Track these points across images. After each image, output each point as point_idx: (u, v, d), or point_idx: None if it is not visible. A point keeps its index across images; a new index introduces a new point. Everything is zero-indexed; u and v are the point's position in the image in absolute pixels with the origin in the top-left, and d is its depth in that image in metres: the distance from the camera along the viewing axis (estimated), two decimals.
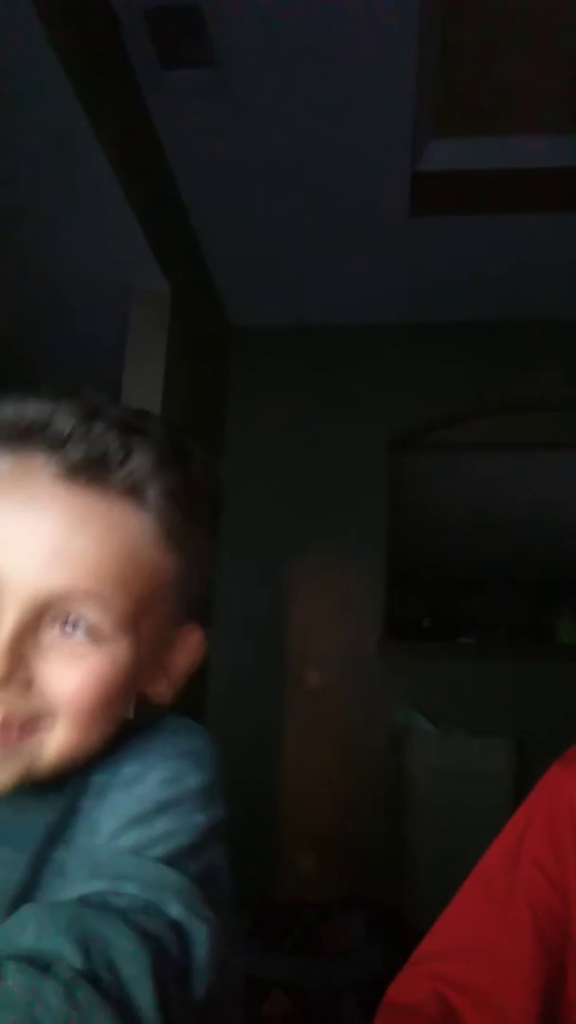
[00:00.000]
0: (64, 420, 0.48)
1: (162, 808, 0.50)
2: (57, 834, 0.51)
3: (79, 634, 0.48)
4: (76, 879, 0.47)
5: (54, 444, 0.48)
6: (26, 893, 0.49)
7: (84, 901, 0.43)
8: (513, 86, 2.17)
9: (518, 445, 3.43)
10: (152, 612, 0.51)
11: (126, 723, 0.55)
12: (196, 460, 0.56)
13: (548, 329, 3.05)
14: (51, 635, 0.48)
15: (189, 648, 0.57)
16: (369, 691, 2.90)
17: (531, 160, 2.38)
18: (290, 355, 3.21)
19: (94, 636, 0.48)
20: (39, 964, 0.38)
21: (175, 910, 0.44)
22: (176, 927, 0.43)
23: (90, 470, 0.48)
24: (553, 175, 2.41)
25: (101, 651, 0.49)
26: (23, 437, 0.49)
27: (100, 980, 0.38)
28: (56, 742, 0.49)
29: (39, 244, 2.25)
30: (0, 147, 1.85)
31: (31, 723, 0.48)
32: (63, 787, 0.52)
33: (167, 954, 0.42)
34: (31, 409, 0.50)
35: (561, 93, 2.19)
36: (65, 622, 0.48)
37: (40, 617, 0.47)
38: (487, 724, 2.77)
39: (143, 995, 0.39)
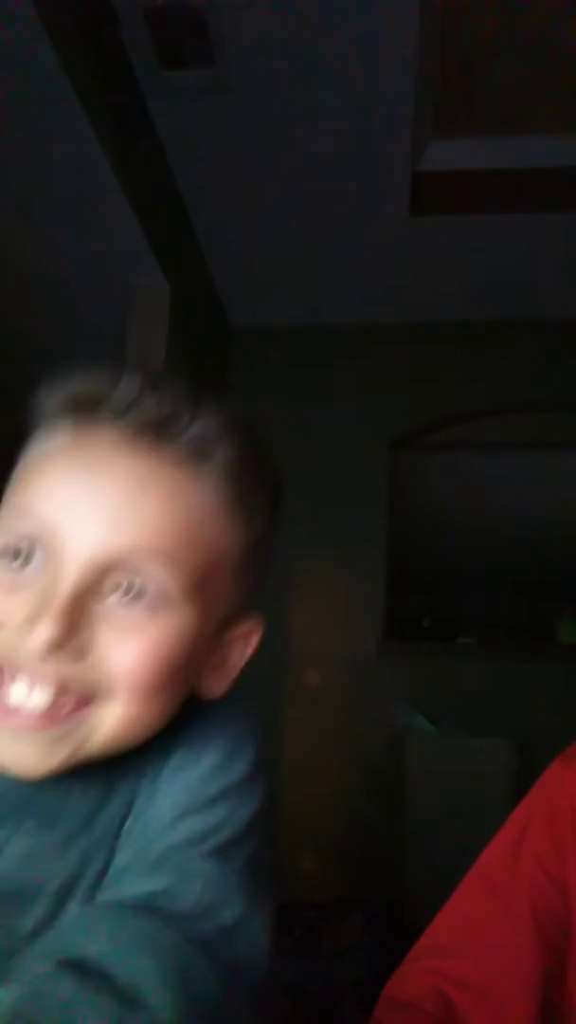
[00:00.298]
0: (128, 388, 0.48)
1: (213, 799, 0.49)
2: (106, 818, 0.50)
3: (142, 602, 0.46)
4: (134, 870, 0.46)
5: (118, 410, 0.48)
6: (74, 881, 0.48)
7: (151, 902, 0.42)
8: (513, 86, 2.17)
9: (518, 445, 3.43)
10: (215, 586, 0.49)
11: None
12: (259, 435, 0.54)
13: (548, 329, 3.05)
14: (113, 602, 0.45)
15: (248, 643, 0.56)
16: (369, 691, 2.90)
17: (531, 160, 2.39)
18: (290, 355, 3.20)
19: (158, 602, 0.46)
20: (96, 977, 0.37)
21: (235, 909, 0.43)
22: (236, 927, 0.43)
23: (155, 432, 0.47)
24: (553, 175, 2.41)
25: (165, 620, 0.46)
26: (87, 408, 0.49)
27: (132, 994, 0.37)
28: (112, 719, 0.46)
29: (39, 244, 2.25)
30: (0, 147, 1.85)
31: (86, 696, 0.45)
32: (109, 770, 0.50)
33: (224, 960, 0.41)
34: (95, 381, 0.50)
35: (561, 93, 2.19)
36: (128, 589, 0.45)
37: (101, 580, 0.45)
38: (487, 724, 2.77)
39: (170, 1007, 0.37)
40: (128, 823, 0.50)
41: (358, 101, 2.05)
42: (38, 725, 0.44)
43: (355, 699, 2.91)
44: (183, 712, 0.51)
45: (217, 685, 0.54)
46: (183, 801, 0.48)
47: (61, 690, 0.44)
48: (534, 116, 2.27)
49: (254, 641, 0.56)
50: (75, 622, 0.43)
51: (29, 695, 0.44)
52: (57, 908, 0.47)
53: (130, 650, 0.45)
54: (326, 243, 2.66)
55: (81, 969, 0.37)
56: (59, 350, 2.94)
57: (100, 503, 0.45)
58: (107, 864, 0.48)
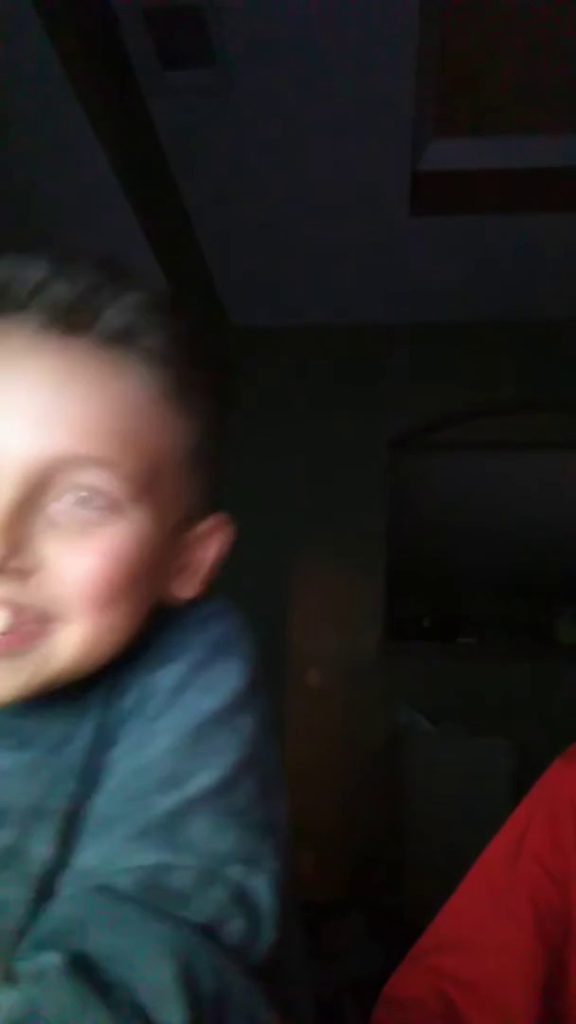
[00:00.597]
0: (32, 272, 0.42)
1: (209, 720, 0.45)
2: (95, 739, 0.47)
3: (89, 508, 0.42)
4: (120, 825, 0.42)
5: (25, 298, 0.42)
6: (39, 808, 0.45)
7: (145, 886, 0.39)
8: (513, 86, 2.17)
9: (518, 445, 3.44)
10: (164, 484, 0.45)
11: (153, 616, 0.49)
12: (194, 315, 0.48)
13: (548, 329, 3.05)
14: (55, 513, 0.42)
15: (216, 538, 0.52)
16: (369, 691, 2.90)
17: (531, 160, 2.38)
18: (290, 355, 3.21)
19: (106, 507, 0.42)
20: (97, 982, 0.35)
21: (235, 872, 0.41)
22: (239, 894, 0.40)
23: (69, 318, 0.42)
24: (553, 175, 2.41)
25: (116, 525, 0.43)
26: (3, 299, 0.43)
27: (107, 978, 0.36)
28: (72, 638, 0.43)
29: (39, 244, 2.25)
30: (0, 147, 1.85)
31: (44, 615, 0.42)
32: (96, 687, 0.47)
33: (229, 939, 0.39)
34: (2, 270, 0.43)
35: (561, 93, 2.19)
36: (70, 499, 0.42)
37: (40, 491, 0.41)
38: (487, 724, 2.77)
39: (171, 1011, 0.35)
40: (106, 758, 0.46)
41: (358, 101, 2.05)
42: (2, 648, 0.41)
43: (355, 699, 2.91)
44: (155, 624, 0.48)
45: (184, 589, 0.50)
46: (171, 735, 0.44)
47: (16, 612, 0.41)
48: (534, 116, 2.27)
49: (223, 539, 0.52)
50: (16, 541, 0.40)
51: None
52: (24, 834, 0.44)
53: (81, 562, 0.42)
54: (326, 243, 2.66)
55: (85, 970, 0.35)
56: None
57: (18, 410, 0.41)
58: (73, 797, 0.45)
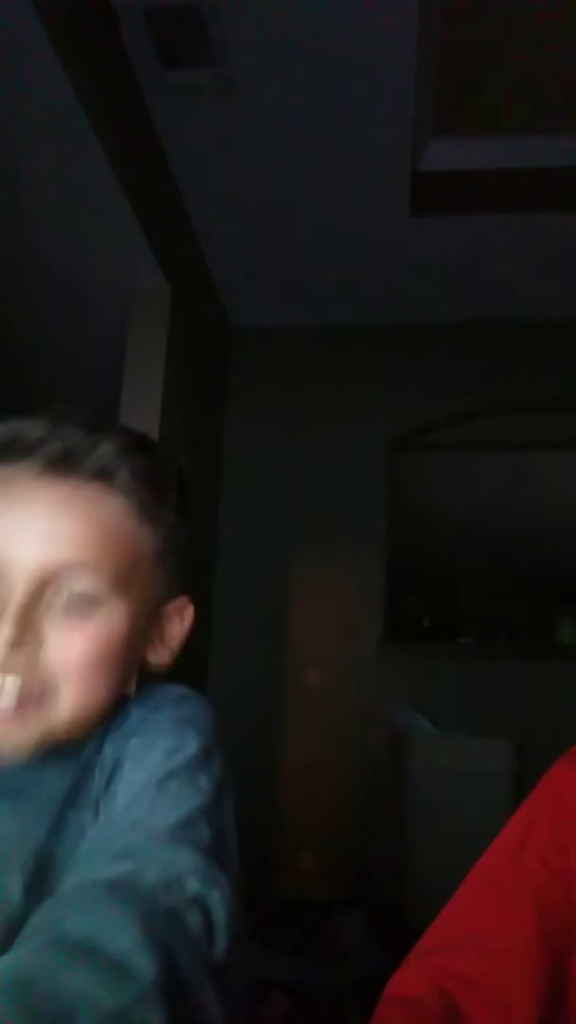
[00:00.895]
0: (33, 430, 0.57)
1: (170, 775, 0.54)
2: (75, 795, 0.57)
3: (79, 603, 0.56)
4: (99, 855, 0.50)
5: (29, 451, 0.57)
6: (50, 848, 0.55)
7: (112, 884, 0.46)
8: (513, 86, 2.17)
9: (518, 445, 3.44)
10: (139, 580, 0.59)
11: (134, 690, 0.64)
12: (157, 449, 0.63)
13: (548, 329, 3.05)
14: (55, 607, 0.55)
15: (182, 618, 0.66)
16: (369, 691, 2.90)
17: (531, 160, 2.39)
18: (290, 355, 3.21)
19: (89, 602, 0.56)
20: (71, 951, 0.41)
21: (193, 884, 0.47)
22: (196, 899, 0.47)
23: (63, 464, 0.57)
24: (553, 175, 2.41)
25: (98, 615, 0.56)
26: (5, 452, 0.57)
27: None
28: (67, 701, 0.55)
29: (39, 244, 2.25)
30: (0, 147, 1.85)
31: (44, 686, 0.54)
32: (81, 751, 0.59)
33: (188, 927, 0.45)
34: (3, 431, 0.58)
35: (561, 93, 2.19)
36: (65, 596, 0.55)
37: (43, 590, 0.54)
38: (487, 724, 2.77)
39: (142, 965, 0.41)
40: (97, 802, 0.57)
41: (358, 101, 2.05)
42: (14, 709, 0.53)
43: (355, 699, 2.91)
44: (143, 696, 0.61)
45: (158, 657, 0.64)
46: (141, 781, 0.55)
47: (25, 680, 0.53)
48: (534, 116, 2.27)
49: (189, 616, 0.66)
50: (27, 625, 0.53)
51: (3, 685, 0.53)
52: (34, 880, 0.54)
53: (73, 644, 0.55)
54: (326, 243, 2.66)
55: (69, 944, 0.41)
56: (60, 350, 2.95)
57: (31, 527, 0.55)
58: (43, 845, 0.55)
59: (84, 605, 0.56)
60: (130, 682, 0.64)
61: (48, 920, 0.44)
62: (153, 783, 0.54)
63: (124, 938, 0.41)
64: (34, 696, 0.54)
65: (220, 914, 0.47)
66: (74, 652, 0.55)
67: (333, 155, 2.25)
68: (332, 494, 3.06)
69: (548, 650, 3.59)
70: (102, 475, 0.58)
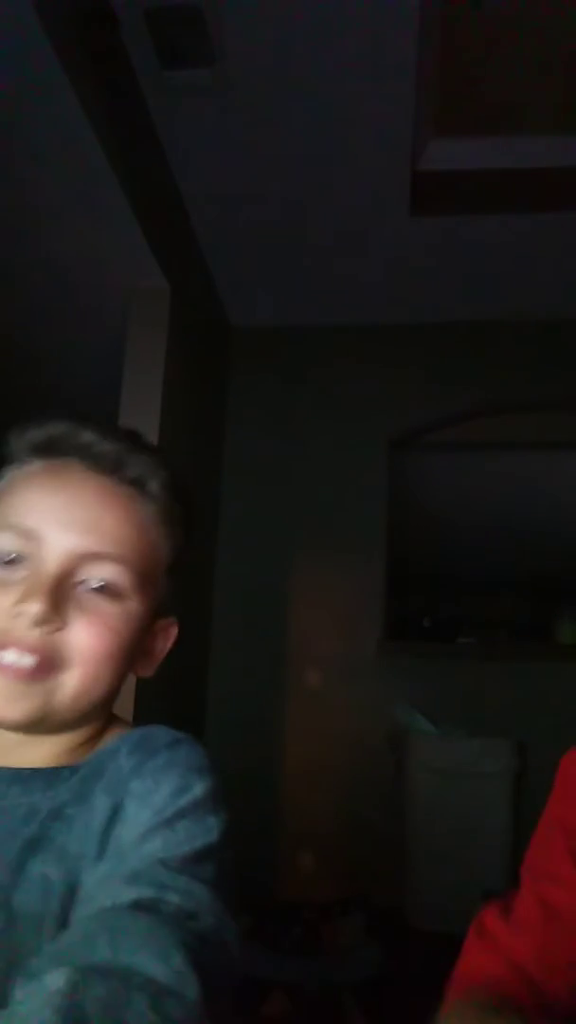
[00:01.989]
0: (88, 433, 0.63)
1: (179, 814, 0.55)
2: (38, 843, 0.57)
3: (103, 593, 0.59)
4: (113, 880, 0.50)
5: (81, 448, 0.63)
6: (7, 897, 0.54)
7: (138, 906, 0.46)
8: (513, 86, 2.17)
9: (518, 445, 3.44)
10: (154, 585, 0.64)
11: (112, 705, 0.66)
12: (179, 474, 0.68)
13: (548, 329, 3.05)
14: (82, 592, 0.59)
15: (168, 636, 0.69)
16: (369, 691, 2.90)
17: (531, 160, 2.39)
18: (290, 355, 3.21)
19: (113, 594, 0.60)
20: (120, 977, 0.41)
21: (209, 918, 0.48)
22: (215, 931, 0.48)
23: (110, 467, 0.63)
24: (553, 175, 2.41)
25: (120, 607, 0.60)
26: (52, 446, 0.63)
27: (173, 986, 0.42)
28: (72, 680, 0.58)
29: (39, 244, 2.25)
30: (0, 147, 1.85)
31: (57, 662, 0.57)
32: (51, 784, 0.60)
33: (213, 953, 0.46)
34: (56, 426, 0.63)
35: (561, 93, 2.19)
36: (94, 582, 0.59)
37: (74, 571, 0.59)
38: (487, 724, 2.77)
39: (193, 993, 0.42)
40: (53, 828, 0.57)
41: (358, 101, 2.05)
42: (26, 676, 0.56)
43: (355, 699, 2.91)
44: (132, 735, 0.62)
45: (146, 668, 0.67)
46: (150, 820, 0.55)
47: (44, 652, 0.57)
48: (534, 116, 2.27)
49: (173, 634, 0.69)
50: (57, 602, 0.57)
51: (20, 658, 0.56)
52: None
53: (93, 629, 0.58)
54: (326, 243, 2.66)
55: (120, 972, 0.41)
56: (60, 350, 2.95)
57: (74, 514, 0.60)
58: (18, 857, 0.56)
59: (108, 596, 0.60)
60: (117, 693, 0.65)
61: (85, 947, 0.43)
62: (162, 821, 0.54)
63: (171, 963, 0.43)
64: (46, 669, 0.57)
65: (235, 948, 0.49)
66: (92, 639, 0.58)
67: (333, 155, 2.25)
68: (332, 494, 3.06)
69: (548, 650, 3.58)
70: (138, 481, 0.64)
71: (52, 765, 0.62)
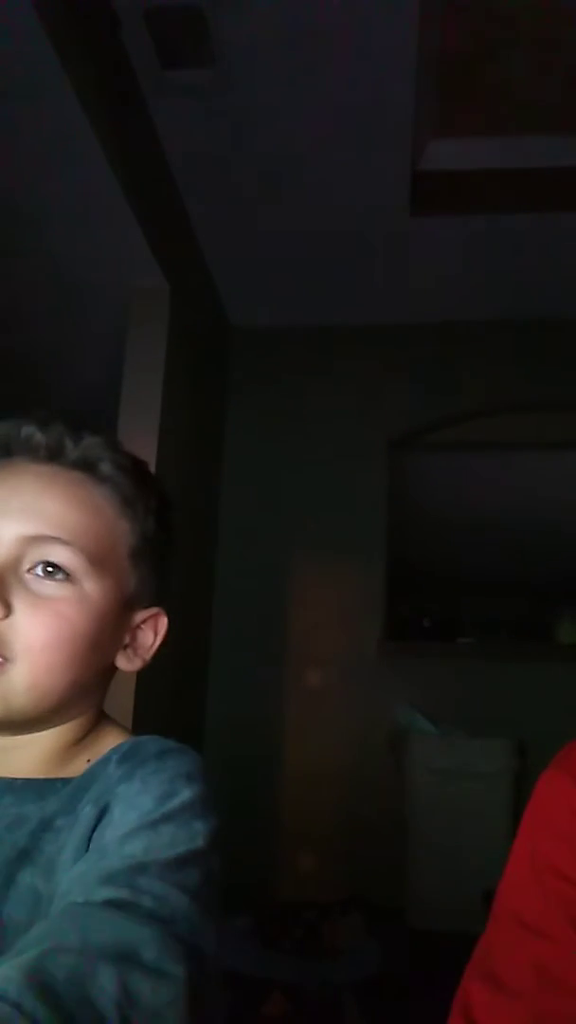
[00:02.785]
0: (27, 427, 0.63)
1: (165, 818, 0.53)
2: (28, 855, 0.56)
3: (52, 579, 0.58)
4: (90, 879, 0.49)
5: (22, 442, 0.63)
6: (12, 878, 0.55)
7: (110, 904, 0.46)
8: (513, 86, 2.17)
9: (518, 445, 3.43)
10: (112, 569, 0.62)
11: (103, 701, 0.66)
12: (136, 457, 0.67)
13: (548, 329, 3.05)
14: (30, 579, 0.58)
15: (155, 629, 0.67)
16: (369, 691, 2.90)
17: (531, 160, 2.39)
18: (290, 355, 3.21)
19: (64, 579, 0.58)
20: (89, 953, 0.41)
21: (184, 926, 0.47)
22: (187, 940, 0.46)
23: (50, 452, 0.62)
24: (553, 175, 2.41)
25: (70, 592, 0.58)
26: (3, 448, 0.63)
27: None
28: (23, 674, 0.56)
29: (39, 244, 2.25)
30: (0, 147, 1.85)
31: (5, 648, 0.56)
32: (42, 795, 0.59)
33: (190, 955, 0.46)
34: (2, 429, 0.63)
35: (561, 93, 2.19)
36: (41, 567, 0.58)
37: (18, 562, 0.58)
38: (487, 724, 2.77)
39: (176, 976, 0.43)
40: (43, 838, 0.57)
41: (358, 101, 2.05)
42: None
43: (355, 699, 2.91)
44: (124, 744, 0.61)
45: (133, 664, 0.66)
46: (135, 821, 0.53)
47: None
48: (534, 116, 2.27)
49: (162, 627, 0.67)
50: (1, 589, 0.56)
51: None
52: None
53: (39, 615, 0.57)
54: (326, 243, 2.66)
55: (97, 951, 0.41)
56: (60, 350, 2.94)
57: (13, 504, 0.59)
58: (8, 866, 0.55)
59: (56, 581, 0.58)
60: (101, 689, 0.65)
61: (54, 934, 0.43)
62: (147, 824, 0.53)
63: (153, 948, 0.43)
64: None
65: (210, 961, 0.47)
66: (37, 625, 0.57)
67: (333, 155, 2.25)
68: (332, 494, 3.06)
69: (548, 650, 3.58)
70: (85, 464, 0.63)
71: (44, 773, 0.61)
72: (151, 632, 0.67)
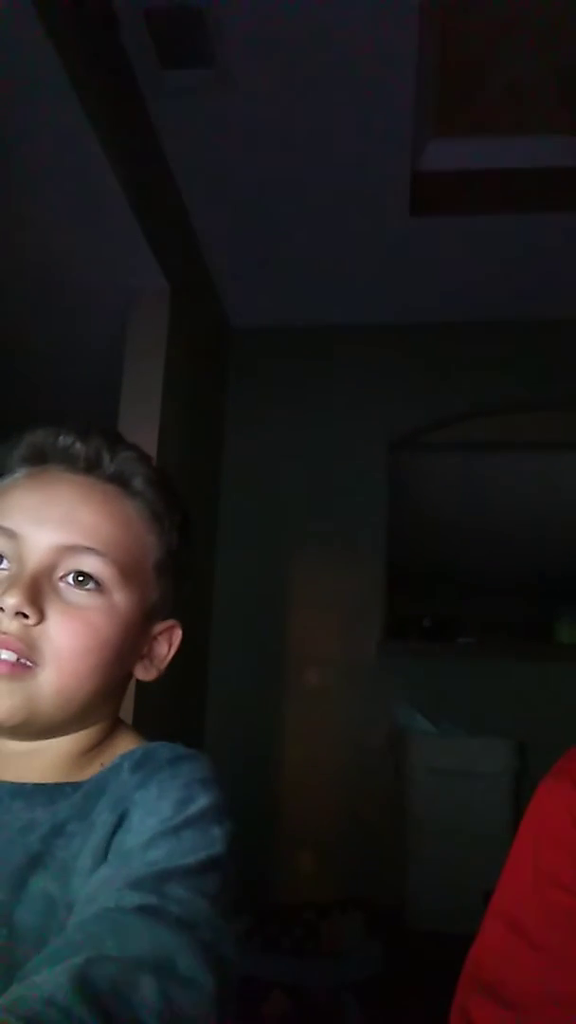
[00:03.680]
0: (65, 436, 0.64)
1: (185, 823, 0.55)
2: (40, 860, 0.56)
3: (83, 588, 0.60)
4: (115, 884, 0.50)
5: (60, 452, 0.64)
6: (8, 912, 0.54)
7: (142, 910, 0.47)
8: (513, 86, 2.17)
9: (518, 445, 3.44)
10: (139, 581, 0.63)
11: (118, 708, 0.67)
12: (166, 473, 0.69)
13: (548, 329, 3.05)
14: (63, 586, 0.60)
15: (170, 640, 0.69)
16: (369, 691, 2.90)
17: (531, 160, 2.39)
18: (290, 355, 3.21)
19: (93, 587, 0.60)
20: (130, 963, 0.43)
21: (206, 932, 0.48)
22: (211, 946, 0.48)
23: (88, 464, 0.64)
24: (553, 175, 2.41)
25: (101, 601, 0.60)
26: (36, 455, 0.65)
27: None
28: (51, 678, 0.57)
29: (39, 244, 2.25)
30: (0, 147, 1.85)
31: (35, 658, 0.57)
32: (53, 800, 0.60)
33: (215, 961, 0.47)
34: (37, 435, 0.65)
35: (561, 93, 2.19)
36: (73, 576, 0.60)
37: (53, 566, 0.59)
38: (487, 724, 2.77)
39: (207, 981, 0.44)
40: (55, 844, 0.57)
41: (358, 101, 2.05)
42: (4, 672, 0.56)
43: (355, 699, 2.91)
44: (137, 751, 0.61)
45: (146, 673, 0.67)
46: (155, 828, 0.54)
47: (20, 649, 0.56)
48: (534, 116, 2.27)
49: (176, 639, 0.69)
50: (35, 595, 0.57)
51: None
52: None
53: (70, 622, 0.58)
54: (326, 243, 2.66)
55: (134, 960, 0.42)
56: (60, 350, 2.94)
57: (50, 511, 0.61)
58: (20, 872, 0.55)
59: (89, 590, 0.60)
60: (119, 697, 0.66)
61: (93, 941, 0.44)
62: (168, 829, 0.54)
63: (187, 958, 0.44)
64: (25, 665, 0.56)
65: (231, 967, 0.49)
66: (69, 633, 0.58)
67: (333, 155, 2.25)
68: (332, 494, 3.06)
69: (548, 650, 3.58)
70: (119, 478, 0.65)
71: (58, 778, 0.61)
72: (166, 643, 0.68)
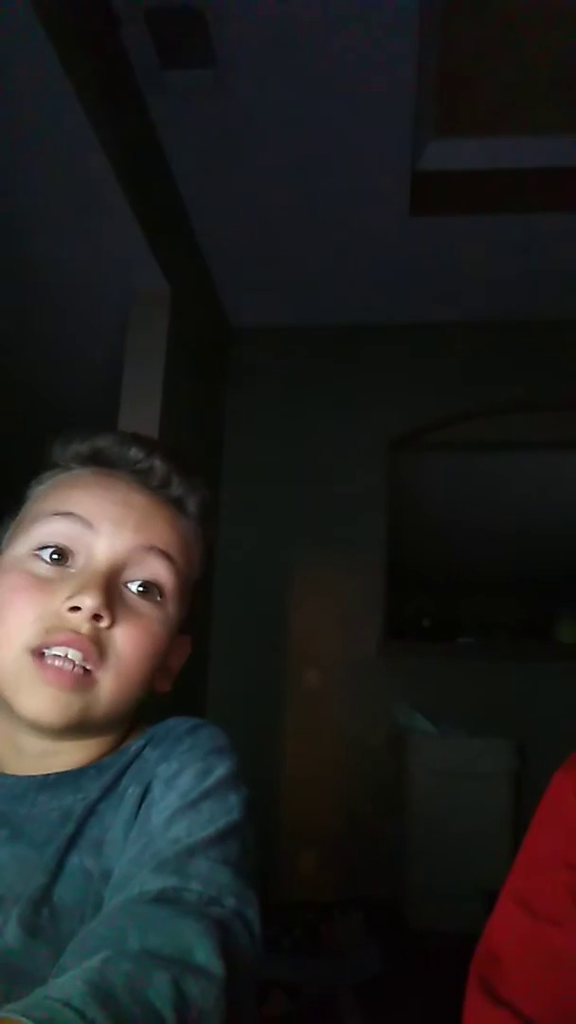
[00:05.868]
0: (135, 449, 0.67)
1: (204, 795, 0.57)
2: (76, 840, 0.58)
3: (147, 596, 0.62)
4: (141, 869, 0.53)
5: (129, 462, 0.67)
6: (48, 891, 0.55)
7: (163, 896, 0.49)
8: (513, 86, 2.17)
9: (518, 445, 3.44)
10: (185, 597, 0.66)
11: (143, 720, 0.69)
12: (212, 501, 0.72)
13: (548, 329, 3.06)
14: (128, 593, 0.62)
15: (182, 652, 0.71)
16: (369, 691, 2.90)
17: (531, 160, 2.39)
18: (290, 355, 3.21)
19: (158, 596, 0.63)
20: (147, 958, 0.44)
21: (230, 901, 0.51)
22: (237, 914, 0.51)
23: (158, 481, 0.67)
24: (553, 175, 2.41)
25: (160, 612, 0.63)
26: (98, 458, 0.67)
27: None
28: (109, 686, 0.59)
29: (39, 245, 2.25)
30: (0, 147, 1.85)
31: (98, 663, 0.58)
32: (79, 786, 0.61)
33: (235, 936, 0.50)
34: (103, 440, 0.67)
35: (561, 93, 2.19)
36: (141, 582, 0.62)
37: (124, 568, 0.61)
38: (487, 724, 2.77)
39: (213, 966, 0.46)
40: (75, 854, 0.58)
41: (358, 101, 2.05)
42: (69, 684, 0.57)
43: (355, 699, 2.91)
44: (152, 729, 0.66)
45: (162, 684, 0.69)
46: (176, 803, 0.57)
47: (91, 651, 0.58)
48: (534, 116, 2.27)
49: (187, 651, 0.72)
50: (111, 598, 0.59)
51: (67, 652, 0.57)
52: (5, 919, 0.54)
53: (136, 629, 0.60)
54: (326, 243, 2.66)
55: (152, 955, 0.44)
56: (60, 351, 2.95)
57: (127, 513, 0.63)
58: (42, 888, 0.55)
59: (152, 600, 0.62)
60: (141, 704, 0.67)
61: (115, 938, 0.46)
62: (188, 804, 0.57)
63: (203, 949, 0.46)
64: (88, 676, 0.58)
65: (256, 927, 0.52)
66: (134, 639, 0.60)
67: (333, 155, 2.25)
68: (332, 494, 3.06)
69: (548, 650, 3.59)
70: (179, 501, 0.68)
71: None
72: (178, 654, 0.71)
